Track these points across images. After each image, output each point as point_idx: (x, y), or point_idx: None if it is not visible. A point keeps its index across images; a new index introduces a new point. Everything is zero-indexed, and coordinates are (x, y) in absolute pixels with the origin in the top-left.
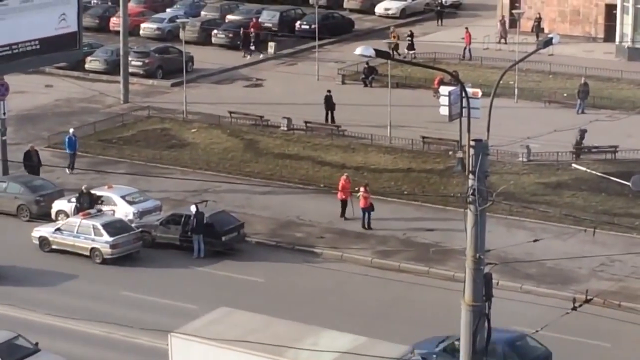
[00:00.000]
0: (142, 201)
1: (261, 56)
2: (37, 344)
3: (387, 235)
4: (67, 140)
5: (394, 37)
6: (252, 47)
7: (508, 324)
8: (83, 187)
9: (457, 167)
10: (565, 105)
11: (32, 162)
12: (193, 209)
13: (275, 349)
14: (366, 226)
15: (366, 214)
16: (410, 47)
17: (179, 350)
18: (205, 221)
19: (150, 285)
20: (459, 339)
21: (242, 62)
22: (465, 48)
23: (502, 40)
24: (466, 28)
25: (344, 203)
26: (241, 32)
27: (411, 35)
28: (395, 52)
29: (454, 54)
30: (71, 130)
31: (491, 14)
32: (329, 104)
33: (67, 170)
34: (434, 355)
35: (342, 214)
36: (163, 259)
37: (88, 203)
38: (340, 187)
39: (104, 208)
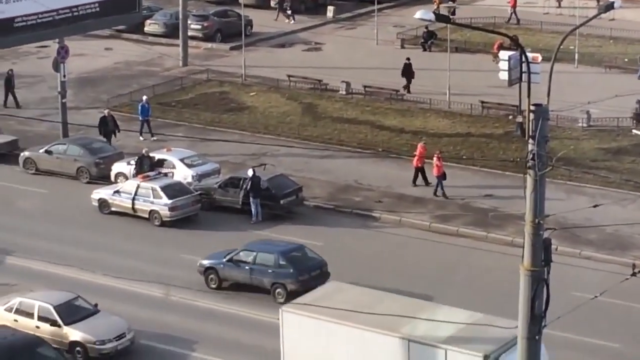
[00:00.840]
0: (200, 164)
1: (291, 21)
2: (96, 304)
3: (445, 200)
4: (140, 107)
5: (436, 1)
6: (289, 12)
7: (567, 289)
8: (143, 150)
9: (516, 132)
10: (626, 71)
11: (107, 127)
12: (250, 172)
13: (390, 324)
14: (439, 194)
15: (440, 182)
16: (453, 12)
17: (290, 325)
18: (261, 185)
19: (209, 248)
20: (242, 251)
21: (301, 26)
22: (511, 11)
23: (560, 4)
24: None
25: (417, 170)
26: None
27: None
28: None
29: (514, 18)
30: (144, 97)
31: None
32: (409, 72)
33: (140, 138)
34: (221, 266)
35: (414, 180)
36: (221, 222)
37: (148, 166)
38: (418, 154)
39: (165, 171)
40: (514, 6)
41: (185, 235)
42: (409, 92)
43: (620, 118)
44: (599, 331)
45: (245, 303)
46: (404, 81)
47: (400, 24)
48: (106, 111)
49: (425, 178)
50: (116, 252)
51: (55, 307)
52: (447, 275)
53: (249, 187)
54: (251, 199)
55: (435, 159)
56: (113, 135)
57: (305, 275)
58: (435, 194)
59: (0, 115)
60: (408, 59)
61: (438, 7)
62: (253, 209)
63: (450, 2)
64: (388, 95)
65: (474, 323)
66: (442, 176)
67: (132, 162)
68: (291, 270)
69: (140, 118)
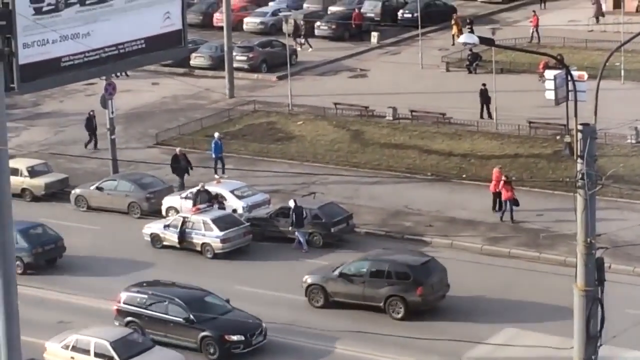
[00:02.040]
0: (250, 195)
1: (308, 48)
2: (152, 339)
3: (496, 222)
4: (213, 144)
5: (456, 24)
6: (302, 40)
7: (621, 307)
8: (200, 185)
9: (565, 151)
10: None
11: (179, 165)
12: (292, 203)
13: None
14: (505, 219)
15: (510, 206)
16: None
17: None
18: (304, 215)
19: (262, 279)
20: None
21: (345, 53)
22: (532, 30)
23: (596, 20)
24: (533, 11)
25: (495, 195)
26: (293, 22)
27: (471, 22)
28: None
29: (558, 37)
30: (216, 134)
31: None
32: (485, 97)
33: (215, 175)
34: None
35: (494, 206)
36: (273, 252)
37: (206, 200)
38: (494, 179)
39: (223, 202)
40: (536, 25)
41: (238, 266)
42: (490, 117)
43: None
44: None
45: (302, 333)
46: (450, 104)
47: (445, 47)
48: (178, 149)
49: (500, 203)
50: None
51: (111, 343)
52: (501, 297)
53: (293, 218)
54: (296, 231)
55: (501, 183)
56: (186, 174)
57: None
58: (501, 218)
59: (49, 154)
60: (484, 84)
61: (459, 31)
62: (301, 239)
63: (469, 24)
64: (435, 119)
65: None
66: (512, 201)
67: (189, 194)
68: None
69: (213, 156)
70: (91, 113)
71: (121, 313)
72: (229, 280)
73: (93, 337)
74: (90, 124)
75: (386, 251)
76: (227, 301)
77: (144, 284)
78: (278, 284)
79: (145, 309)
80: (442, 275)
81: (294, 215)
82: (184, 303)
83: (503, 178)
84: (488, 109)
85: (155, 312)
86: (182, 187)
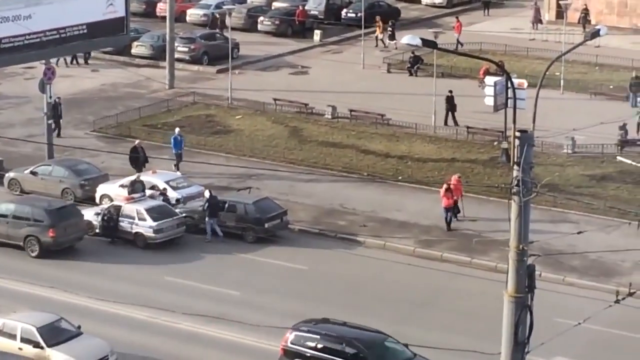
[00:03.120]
0: (186, 187)
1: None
2: (79, 327)
3: (429, 225)
4: (172, 140)
5: (378, 27)
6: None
7: (550, 315)
8: (136, 175)
9: (501, 158)
10: (611, 98)
11: (138, 156)
12: (207, 193)
13: None
14: (447, 225)
15: (449, 213)
16: (392, 37)
17: None
18: (219, 205)
19: (193, 271)
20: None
21: (287, 50)
22: (457, 37)
23: (533, 25)
24: (456, 17)
25: (454, 204)
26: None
27: (393, 25)
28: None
29: (500, 44)
30: (177, 129)
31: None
32: (451, 104)
33: (174, 168)
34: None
35: (455, 215)
36: (206, 245)
37: (141, 191)
38: (453, 187)
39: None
40: (459, 32)
41: (169, 257)
42: (456, 124)
43: (605, 145)
44: (582, 358)
45: (231, 327)
46: (389, 105)
47: (387, 48)
48: (137, 141)
49: (457, 209)
50: (100, 274)
51: (38, 329)
52: (431, 300)
53: (206, 207)
54: (207, 219)
55: (444, 189)
56: (143, 166)
57: None
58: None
59: None
60: (450, 91)
61: (381, 33)
62: (208, 228)
63: (395, 42)
64: (374, 119)
65: None
66: (452, 209)
67: (124, 185)
68: None
69: (173, 151)
70: (57, 100)
71: (288, 354)
72: (159, 271)
73: (20, 322)
74: (56, 111)
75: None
76: (406, 345)
77: (313, 323)
78: (207, 277)
79: (317, 350)
80: (77, 220)
81: (207, 205)
82: (364, 347)
83: (445, 186)
84: (454, 115)
85: (329, 355)
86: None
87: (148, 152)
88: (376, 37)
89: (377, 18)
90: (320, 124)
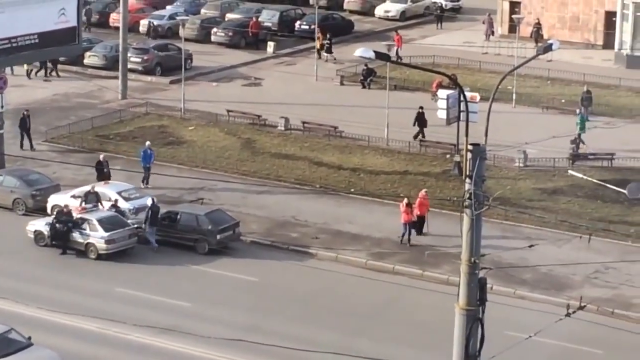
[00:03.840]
0: (138, 197)
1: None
2: (29, 338)
3: (381, 237)
4: (142, 153)
5: (319, 39)
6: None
7: (501, 328)
8: (90, 186)
9: (453, 171)
10: (563, 112)
11: (102, 171)
12: (149, 202)
13: None
14: (407, 242)
15: (408, 229)
16: (329, 50)
17: None
18: (160, 215)
19: (145, 282)
20: None
21: (241, 61)
22: (397, 49)
23: (486, 37)
24: (396, 31)
25: (421, 219)
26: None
27: (330, 38)
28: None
29: (453, 57)
30: (147, 142)
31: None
32: (421, 121)
33: (141, 184)
34: None
35: (420, 231)
36: (157, 256)
37: (94, 202)
38: (418, 203)
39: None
40: (400, 45)
41: (121, 268)
42: (423, 140)
43: (557, 158)
44: None
45: (182, 339)
46: (342, 117)
47: (340, 60)
48: (101, 155)
49: (422, 225)
50: (51, 285)
51: None
52: (382, 312)
53: (148, 215)
54: (147, 228)
55: (403, 205)
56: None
57: None
58: (406, 241)
59: None
60: (421, 107)
61: (321, 46)
62: (150, 238)
63: (332, 55)
64: (326, 131)
65: None
66: (411, 224)
67: (77, 195)
68: None
69: (142, 164)
70: (25, 113)
71: None
72: (110, 282)
73: None
74: (25, 124)
75: None
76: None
77: None
78: (159, 289)
79: None
80: None
81: (150, 213)
82: None
83: (405, 201)
84: (423, 132)
85: None
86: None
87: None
88: (317, 49)
89: (318, 31)
90: (273, 135)
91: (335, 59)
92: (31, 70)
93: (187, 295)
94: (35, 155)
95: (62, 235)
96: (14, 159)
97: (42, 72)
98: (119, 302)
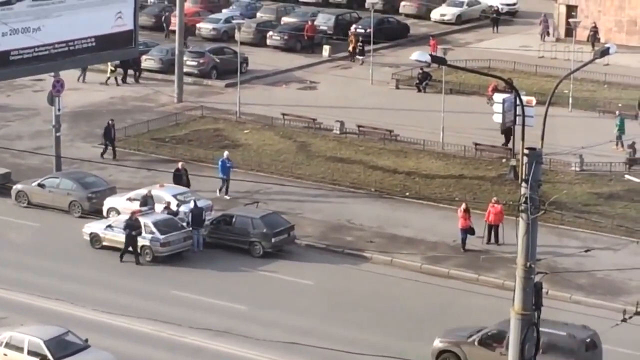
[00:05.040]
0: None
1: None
2: (86, 340)
3: (437, 242)
4: (220, 163)
5: (351, 40)
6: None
7: None
8: (148, 190)
9: (509, 175)
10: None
11: (181, 178)
12: (191, 204)
13: None
14: (461, 247)
15: (465, 235)
16: (361, 52)
17: None
18: (203, 217)
19: (200, 285)
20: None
21: (296, 65)
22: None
23: (541, 37)
24: (431, 36)
25: (495, 228)
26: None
27: (362, 41)
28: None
29: (509, 61)
30: (225, 153)
31: None
32: (507, 131)
33: (217, 192)
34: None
35: (496, 240)
36: (213, 258)
37: (152, 206)
38: (494, 212)
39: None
40: (435, 50)
41: (176, 271)
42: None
43: (613, 163)
44: None
45: (237, 341)
46: (397, 121)
47: (396, 64)
48: (180, 164)
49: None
50: (107, 287)
51: (45, 342)
52: (437, 316)
53: (189, 218)
54: (192, 229)
55: (461, 210)
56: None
57: None
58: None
59: None
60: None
61: (353, 49)
62: (195, 239)
63: (362, 58)
64: (382, 135)
65: None
66: (468, 230)
67: (132, 198)
68: None
69: (220, 176)
70: (110, 122)
71: None
72: (165, 285)
73: (27, 335)
74: (109, 133)
75: None
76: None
77: None
78: (214, 291)
79: None
80: None
81: (191, 215)
82: None
83: (463, 206)
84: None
85: None
86: None
87: (155, 165)
88: (349, 51)
89: (350, 33)
90: (328, 139)
91: (362, 62)
92: (110, 77)
93: (242, 298)
94: (91, 158)
95: (135, 243)
96: (71, 161)
97: (113, 77)
98: (174, 305)
